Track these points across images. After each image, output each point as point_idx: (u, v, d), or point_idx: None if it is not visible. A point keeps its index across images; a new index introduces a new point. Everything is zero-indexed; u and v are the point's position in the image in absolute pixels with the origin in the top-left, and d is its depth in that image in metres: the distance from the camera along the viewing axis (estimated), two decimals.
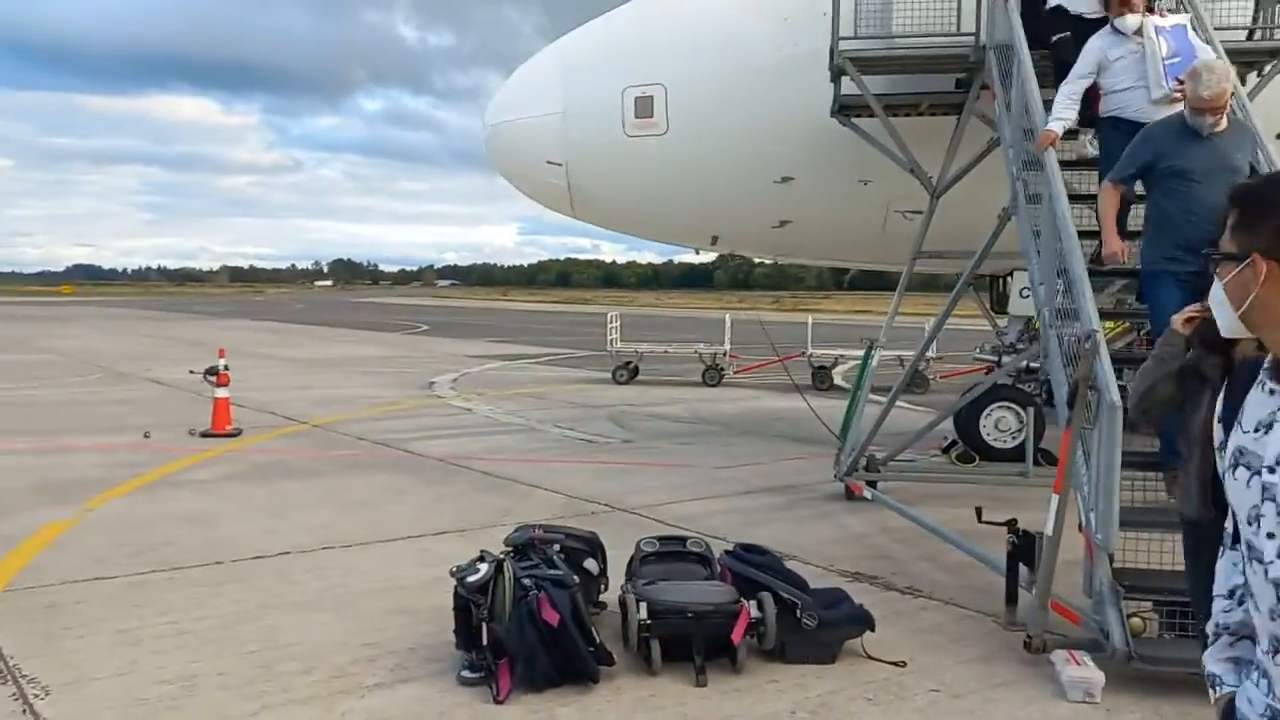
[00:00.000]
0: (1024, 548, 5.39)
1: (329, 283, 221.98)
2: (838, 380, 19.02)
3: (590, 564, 5.37)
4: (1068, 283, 5.66)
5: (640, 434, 12.75)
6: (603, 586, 5.49)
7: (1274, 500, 1.54)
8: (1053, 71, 7.32)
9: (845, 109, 8.99)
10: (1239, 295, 1.63)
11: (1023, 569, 5.45)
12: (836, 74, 8.77)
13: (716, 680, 4.66)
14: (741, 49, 9.72)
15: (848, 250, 11.35)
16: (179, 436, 11.78)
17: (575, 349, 28.91)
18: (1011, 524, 5.51)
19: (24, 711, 4.28)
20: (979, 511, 5.79)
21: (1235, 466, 1.63)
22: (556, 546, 5.21)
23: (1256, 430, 1.60)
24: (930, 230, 9.12)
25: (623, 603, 4.96)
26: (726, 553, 5.36)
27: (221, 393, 12.24)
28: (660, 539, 5.55)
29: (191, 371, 14.30)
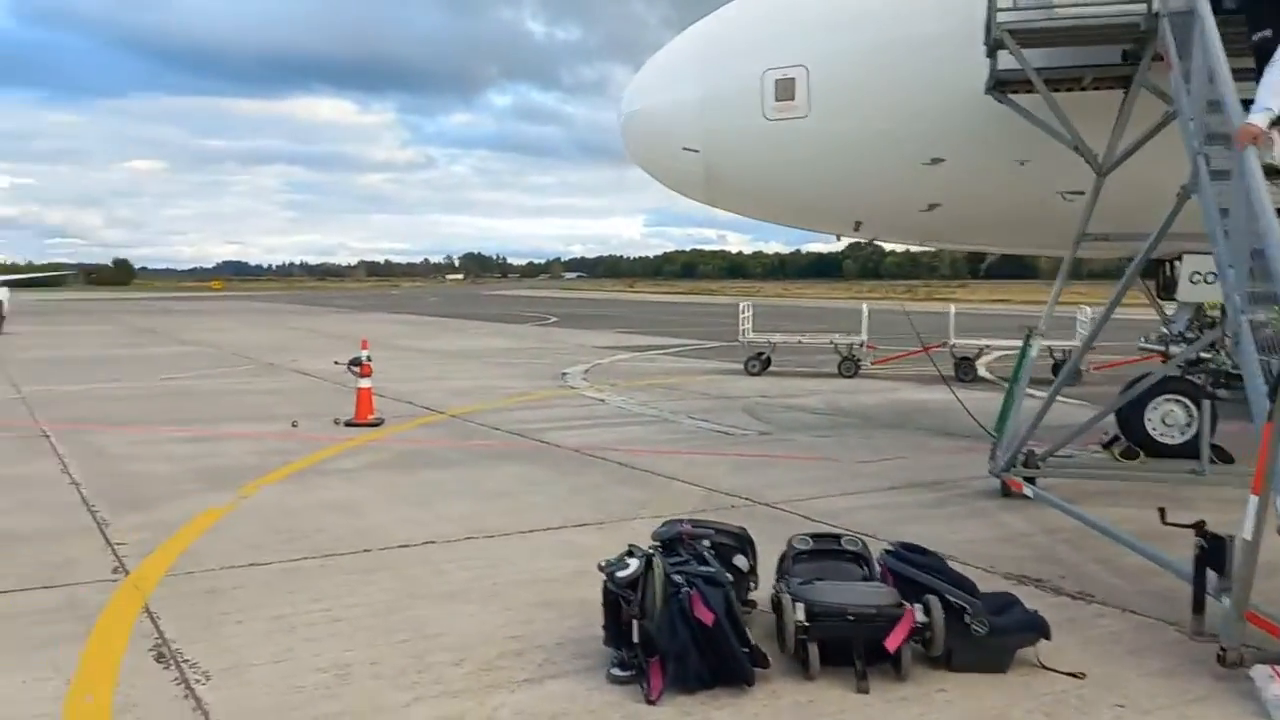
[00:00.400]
0: (1214, 552, 4.93)
1: (460, 276, 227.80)
2: (981, 372, 18.31)
3: (740, 560, 5.18)
4: (1265, 264, 5.15)
5: (777, 426, 12.47)
6: (752, 584, 5.28)
7: None
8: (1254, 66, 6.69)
9: (1001, 85, 8.51)
10: None
11: (1211, 575, 4.99)
12: (993, 48, 8.30)
13: (879, 688, 4.40)
14: (887, 26, 9.34)
15: (1002, 234, 10.80)
16: (324, 425, 12.09)
17: (704, 340, 28.71)
18: (1199, 526, 5.05)
19: (185, 696, 4.34)
20: (1162, 512, 5.33)
21: None
22: (706, 542, 5.03)
23: None
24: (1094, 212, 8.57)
25: (777, 602, 4.75)
26: (887, 552, 5.07)
27: (364, 383, 12.52)
28: (813, 536, 5.30)
29: (336, 363, 14.71)
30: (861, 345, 18.88)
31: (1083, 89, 8.49)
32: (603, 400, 14.98)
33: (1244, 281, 5.46)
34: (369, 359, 12.73)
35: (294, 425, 12.08)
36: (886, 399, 15.46)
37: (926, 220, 10.06)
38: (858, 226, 10.61)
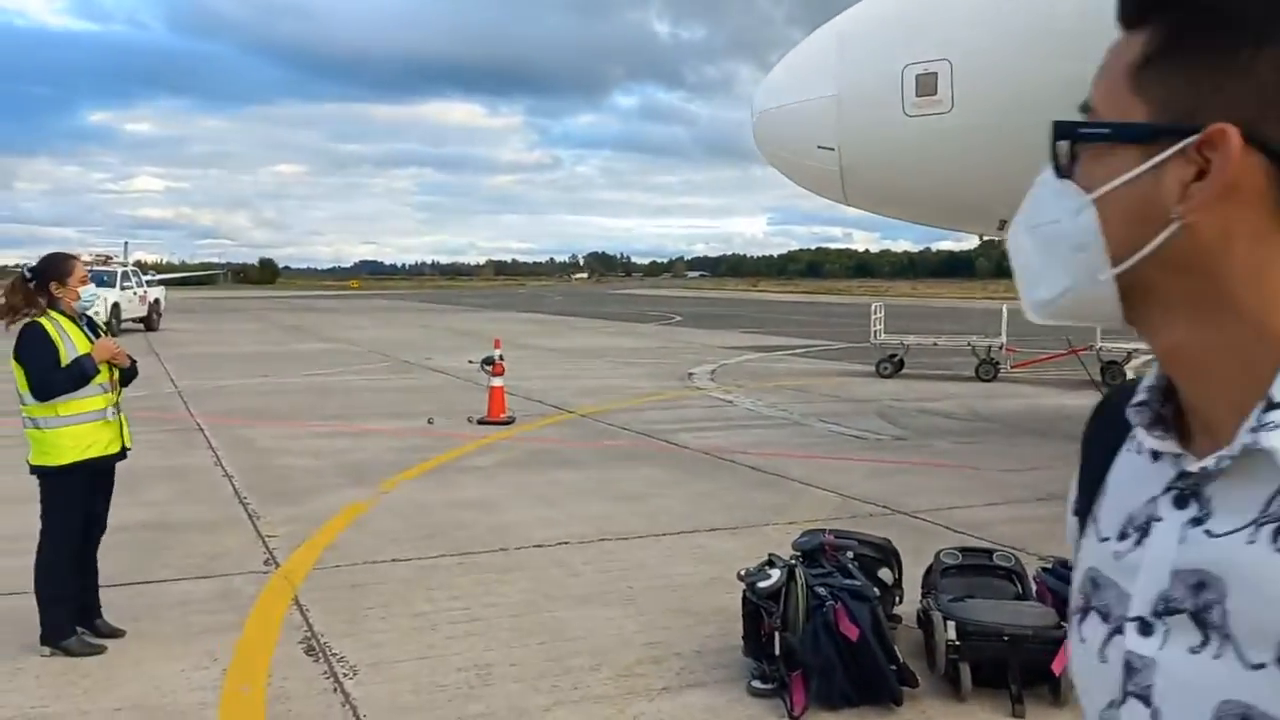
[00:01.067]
0: None
1: (584, 275, 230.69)
2: (1130, 376, 17.43)
3: (885, 574, 5.01)
4: None
5: (913, 431, 12.13)
6: (898, 598, 5.11)
7: (1145, 699, 0.76)
8: None
9: None
10: (1136, 222, 0.75)
11: None
12: None
13: (1035, 713, 4.19)
14: (1035, 14, 8.95)
15: None
16: (459, 423, 12.34)
17: (832, 340, 28.24)
18: None
19: (334, 690, 4.45)
20: None
21: (1084, 612, 0.84)
22: (850, 554, 4.89)
23: (1123, 538, 0.81)
24: None
25: (925, 619, 4.57)
26: (1044, 569, 4.83)
27: (497, 382, 12.72)
28: (963, 550, 5.09)
29: (470, 361, 15.00)
30: (1001, 348, 18.21)
31: None
32: (731, 401, 14.86)
33: None
34: (501, 358, 12.94)
35: (430, 422, 12.37)
36: (1029, 405, 14.87)
37: None
38: (1003, 225, 10.17)
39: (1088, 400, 14.20)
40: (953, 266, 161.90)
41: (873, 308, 19.68)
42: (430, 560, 6.47)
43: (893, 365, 18.48)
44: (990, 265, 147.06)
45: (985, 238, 11.15)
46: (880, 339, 18.98)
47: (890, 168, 10.01)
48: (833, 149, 10.05)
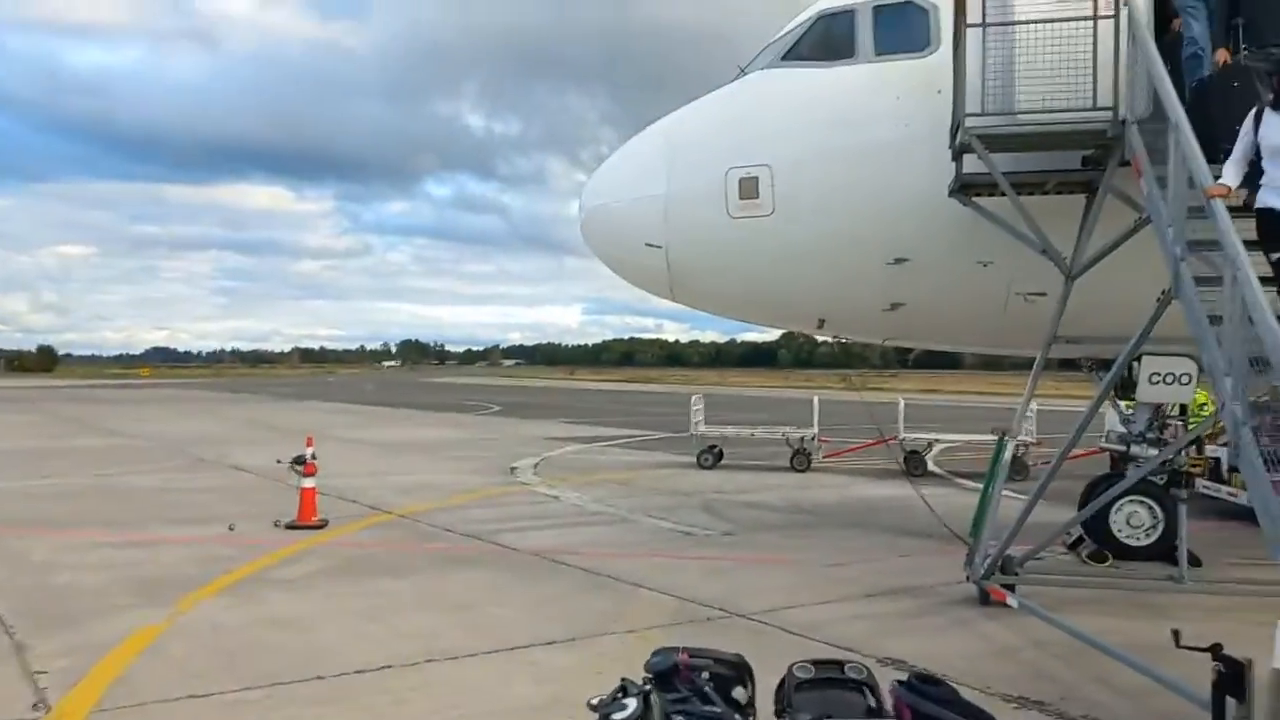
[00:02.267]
0: (1232, 678, 4.70)
1: (396, 363, 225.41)
2: (931, 466, 18.26)
3: (739, 692, 4.79)
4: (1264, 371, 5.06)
5: (740, 525, 12.15)
6: (751, 717, 4.90)
7: None
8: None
9: (966, 188, 8.53)
10: None
11: (1230, 703, 4.75)
12: (959, 152, 8.34)
13: None
14: (852, 128, 9.37)
15: (965, 334, 10.79)
16: (265, 529, 11.48)
17: (650, 430, 28.45)
18: (1216, 650, 4.82)
19: None
20: (1176, 635, 5.10)
21: None
22: (705, 674, 4.66)
23: None
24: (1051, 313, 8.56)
25: None
26: (900, 684, 4.75)
27: (308, 482, 11.96)
28: (814, 663, 4.95)
29: (279, 461, 14.08)
30: (813, 438, 18.75)
31: (1044, 193, 8.53)
32: (557, 497, 14.54)
33: (1242, 391, 5.37)
34: (314, 457, 12.19)
35: (231, 529, 11.43)
36: (844, 495, 15.27)
37: (890, 319, 10.00)
38: (821, 324, 10.51)
39: (895, 490, 14.75)
40: (757, 357, 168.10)
41: (693, 399, 19.92)
42: (234, 695, 5.81)
43: (713, 456, 18.70)
44: (790, 355, 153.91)
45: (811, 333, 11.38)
46: (700, 430, 19.19)
47: (715, 267, 10.18)
48: (660, 247, 10.14)
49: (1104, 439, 12.94)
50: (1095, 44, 7.63)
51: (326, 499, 12.98)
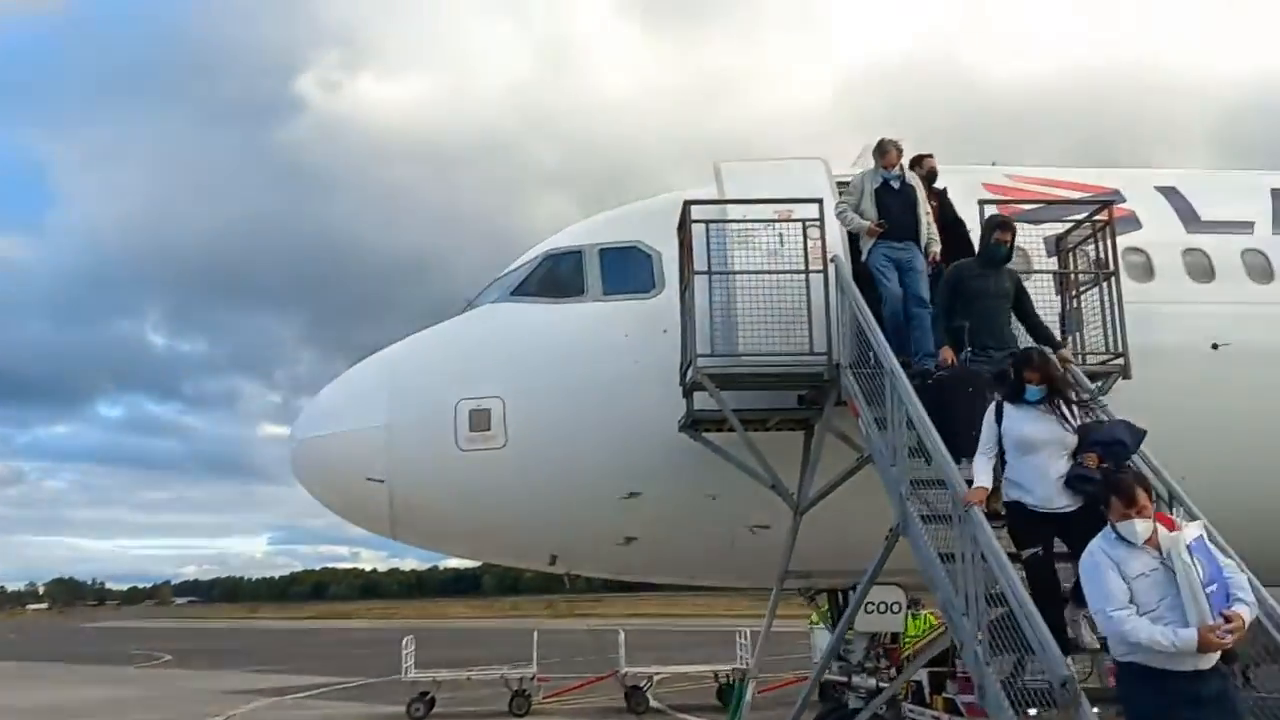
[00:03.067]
0: None
1: (44, 605, 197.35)
2: (653, 702, 17.87)
3: None
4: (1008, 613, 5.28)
5: None
6: None
7: None
8: None
9: (697, 423, 8.74)
10: None
11: None
12: (690, 389, 8.58)
13: None
14: (584, 363, 9.46)
15: (695, 568, 10.79)
16: None
17: (350, 675, 26.14)
18: None
19: None
20: None
21: None
22: None
23: None
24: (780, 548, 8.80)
25: None
26: None
27: None
28: None
29: None
30: (532, 678, 17.90)
31: (767, 429, 8.89)
32: None
33: (978, 630, 5.54)
34: None
35: None
36: None
37: (624, 554, 9.84)
38: (553, 560, 10.17)
39: None
40: (460, 585, 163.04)
41: (404, 641, 18.53)
42: None
43: (424, 705, 17.33)
44: (495, 582, 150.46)
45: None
46: (411, 675, 17.82)
47: (443, 502, 9.69)
48: (382, 481, 9.53)
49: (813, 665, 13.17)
50: (809, 294, 8.24)
51: None
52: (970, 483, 5.97)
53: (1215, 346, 9.17)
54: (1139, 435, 6.06)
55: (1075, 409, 6.15)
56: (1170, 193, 10.08)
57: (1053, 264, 9.11)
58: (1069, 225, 8.96)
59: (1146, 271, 9.40)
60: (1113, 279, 8.44)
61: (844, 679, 10.50)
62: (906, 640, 13.09)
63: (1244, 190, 10.39)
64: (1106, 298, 8.41)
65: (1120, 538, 4.87)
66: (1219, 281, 9.53)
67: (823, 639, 17.48)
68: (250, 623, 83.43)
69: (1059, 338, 8.05)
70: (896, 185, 8.52)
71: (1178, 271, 9.54)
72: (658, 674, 18.55)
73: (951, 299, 7.63)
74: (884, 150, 8.60)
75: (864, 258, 8.43)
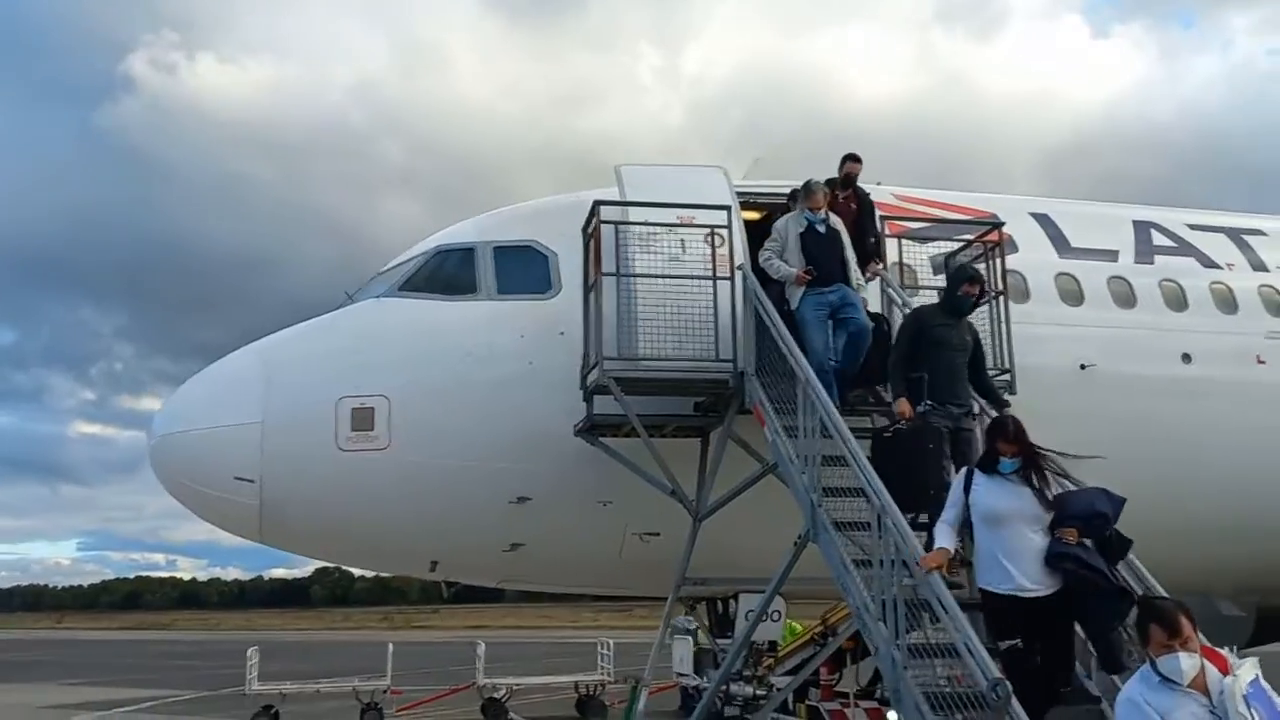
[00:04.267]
0: None
1: None
2: (512, 716, 17.50)
3: None
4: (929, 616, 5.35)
5: None
6: None
7: None
8: None
9: (595, 428, 8.60)
10: None
11: None
12: (591, 392, 8.43)
13: None
14: (475, 363, 9.19)
15: (583, 576, 10.62)
16: None
17: (179, 688, 24.60)
18: None
19: None
20: None
21: None
22: None
23: None
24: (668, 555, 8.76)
25: None
26: None
27: None
28: None
29: None
30: (386, 691, 17.23)
31: (663, 435, 8.82)
32: None
33: (896, 635, 5.60)
34: None
35: None
36: None
37: (509, 560, 9.59)
38: (433, 567, 9.84)
39: None
40: (287, 595, 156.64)
41: (249, 653, 17.51)
42: None
43: (269, 719, 16.41)
44: (324, 592, 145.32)
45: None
46: (255, 688, 16.87)
47: (318, 503, 9.25)
48: (252, 481, 8.98)
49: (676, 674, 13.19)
50: (716, 302, 8.24)
51: None
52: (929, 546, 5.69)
53: (1083, 367, 9.67)
54: (1118, 504, 5.68)
55: (1049, 479, 5.71)
56: (1043, 219, 10.61)
57: (939, 282, 9.42)
58: (958, 245, 9.28)
59: (1023, 294, 9.83)
60: (1001, 298, 8.78)
61: (696, 687, 10.54)
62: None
63: (1109, 221, 11.04)
64: (995, 316, 8.73)
65: (1162, 679, 4.06)
66: (1087, 306, 10.07)
67: (683, 648, 17.65)
68: (58, 633, 77.77)
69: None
70: (822, 229, 8.23)
71: (1051, 294, 10.03)
72: (516, 685, 18.20)
73: (912, 346, 7.19)
74: (810, 192, 8.32)
75: (793, 306, 8.09)
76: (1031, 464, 5.64)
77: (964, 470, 5.84)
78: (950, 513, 5.70)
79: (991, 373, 8.69)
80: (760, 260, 8.29)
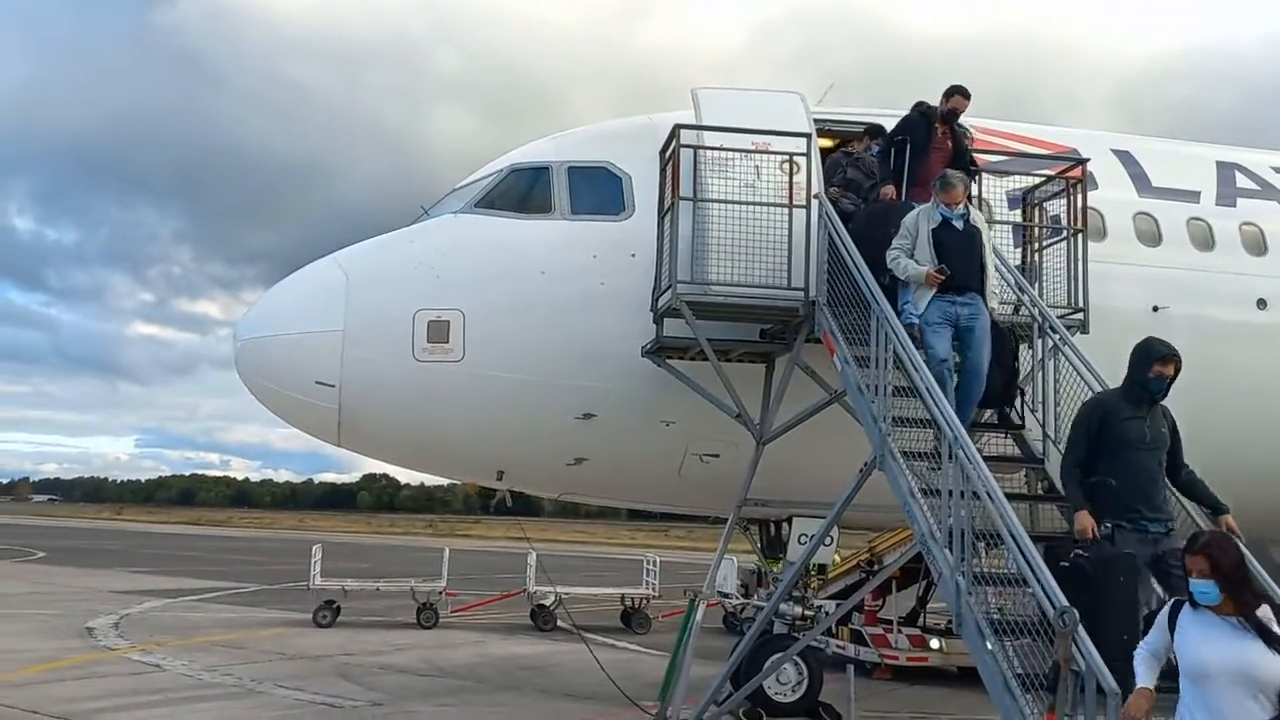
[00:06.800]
0: None
1: None
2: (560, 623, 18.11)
3: None
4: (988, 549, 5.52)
5: (387, 693, 11.06)
6: None
7: None
8: None
9: (662, 349, 8.77)
10: None
11: None
12: (661, 315, 8.58)
13: None
14: (548, 281, 9.34)
15: (641, 492, 10.91)
16: None
17: (240, 581, 25.67)
18: None
19: None
20: None
21: None
22: None
23: None
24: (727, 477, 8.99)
25: None
26: None
27: None
28: None
29: None
30: (441, 593, 17.91)
31: (728, 360, 8.96)
32: (159, 665, 12.42)
33: (963, 564, 5.78)
34: None
35: None
36: (482, 654, 14.62)
37: (571, 474, 9.87)
38: (500, 476, 10.15)
39: (530, 647, 14.41)
40: (336, 499, 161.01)
41: (313, 549, 18.21)
42: None
43: (331, 613, 17.18)
44: (371, 498, 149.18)
45: (493, 487, 10.85)
46: (318, 583, 17.61)
47: (393, 410, 9.53)
48: (333, 386, 9.30)
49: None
50: (790, 229, 8.29)
51: None
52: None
53: (1156, 309, 9.61)
54: None
55: (1274, 617, 4.15)
56: (1124, 156, 10.44)
57: (1015, 217, 9.38)
58: (1038, 180, 9.19)
59: (1100, 233, 9.73)
60: (1079, 235, 8.73)
61: (741, 608, 10.78)
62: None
63: (1192, 161, 10.83)
64: (1072, 255, 8.69)
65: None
66: (1164, 247, 9.96)
67: (728, 568, 18.04)
68: (118, 523, 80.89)
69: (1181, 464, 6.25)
70: (959, 225, 7.30)
71: (1129, 234, 9.93)
72: (565, 593, 18.76)
73: (1091, 447, 6.02)
74: (947, 185, 7.33)
75: (917, 311, 7.18)
76: (1234, 594, 4.14)
77: (1171, 601, 4.46)
78: (1155, 637, 4.39)
79: (1064, 311, 8.63)
80: (887, 260, 7.38)
